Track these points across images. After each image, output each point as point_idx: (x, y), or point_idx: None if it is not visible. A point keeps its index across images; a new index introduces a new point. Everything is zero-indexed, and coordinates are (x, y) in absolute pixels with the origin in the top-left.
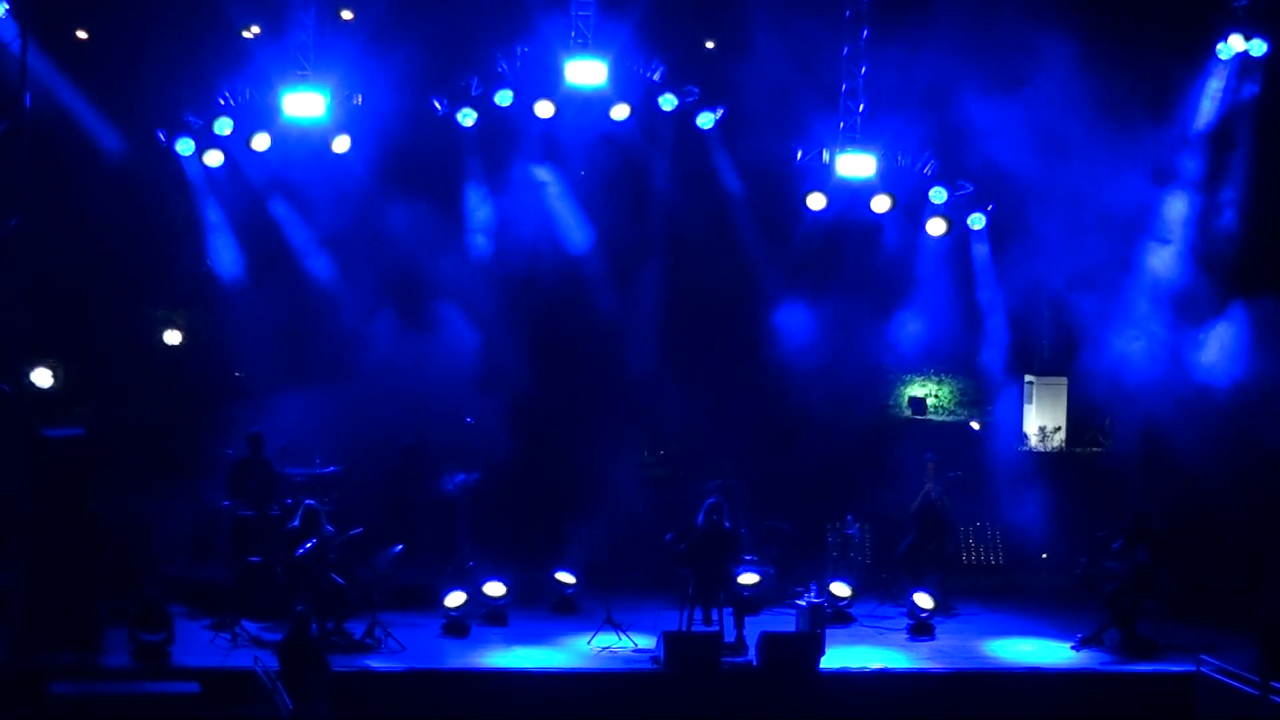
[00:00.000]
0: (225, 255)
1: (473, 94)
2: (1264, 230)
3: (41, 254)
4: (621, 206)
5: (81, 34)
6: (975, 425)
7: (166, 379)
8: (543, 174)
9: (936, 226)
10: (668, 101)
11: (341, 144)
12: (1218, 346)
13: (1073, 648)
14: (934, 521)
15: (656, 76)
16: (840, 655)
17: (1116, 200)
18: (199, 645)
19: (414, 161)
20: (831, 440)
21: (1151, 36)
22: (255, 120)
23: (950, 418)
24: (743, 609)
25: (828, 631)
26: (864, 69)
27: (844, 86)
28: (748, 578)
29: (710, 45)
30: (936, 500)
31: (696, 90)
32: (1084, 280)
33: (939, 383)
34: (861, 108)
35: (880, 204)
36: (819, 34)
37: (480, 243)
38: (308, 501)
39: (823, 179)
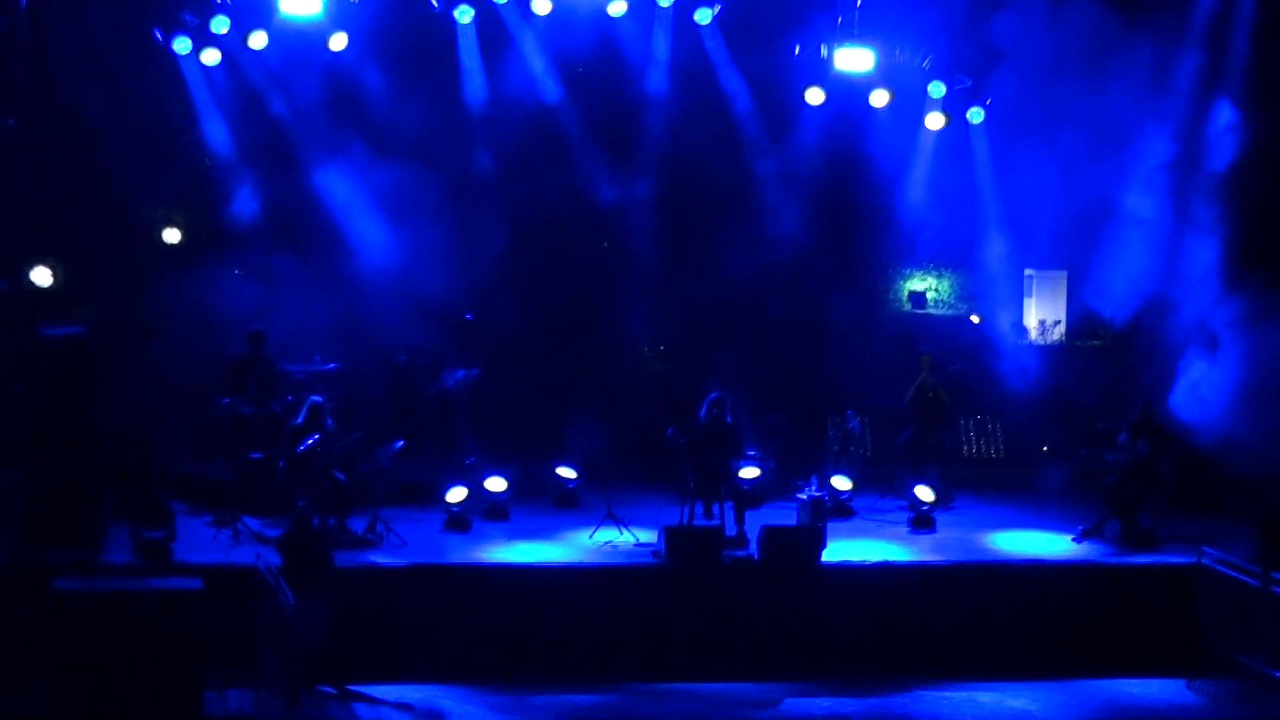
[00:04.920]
0: (223, 152)
1: None
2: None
3: (39, 153)
4: (619, 102)
5: None
6: (975, 319)
7: (166, 277)
8: (539, 70)
9: (935, 121)
10: None
11: (339, 41)
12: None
13: (1073, 540)
14: (932, 414)
15: None
16: (841, 549)
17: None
18: (201, 542)
19: (411, 58)
20: (832, 335)
21: None
22: (252, 18)
23: (950, 312)
24: (744, 503)
25: (829, 525)
26: None
27: None
28: (749, 472)
29: None
30: (932, 393)
31: None
32: (1084, 174)
33: (939, 277)
34: (859, 1)
35: (879, 99)
36: None
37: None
38: (313, 398)
39: (821, 74)
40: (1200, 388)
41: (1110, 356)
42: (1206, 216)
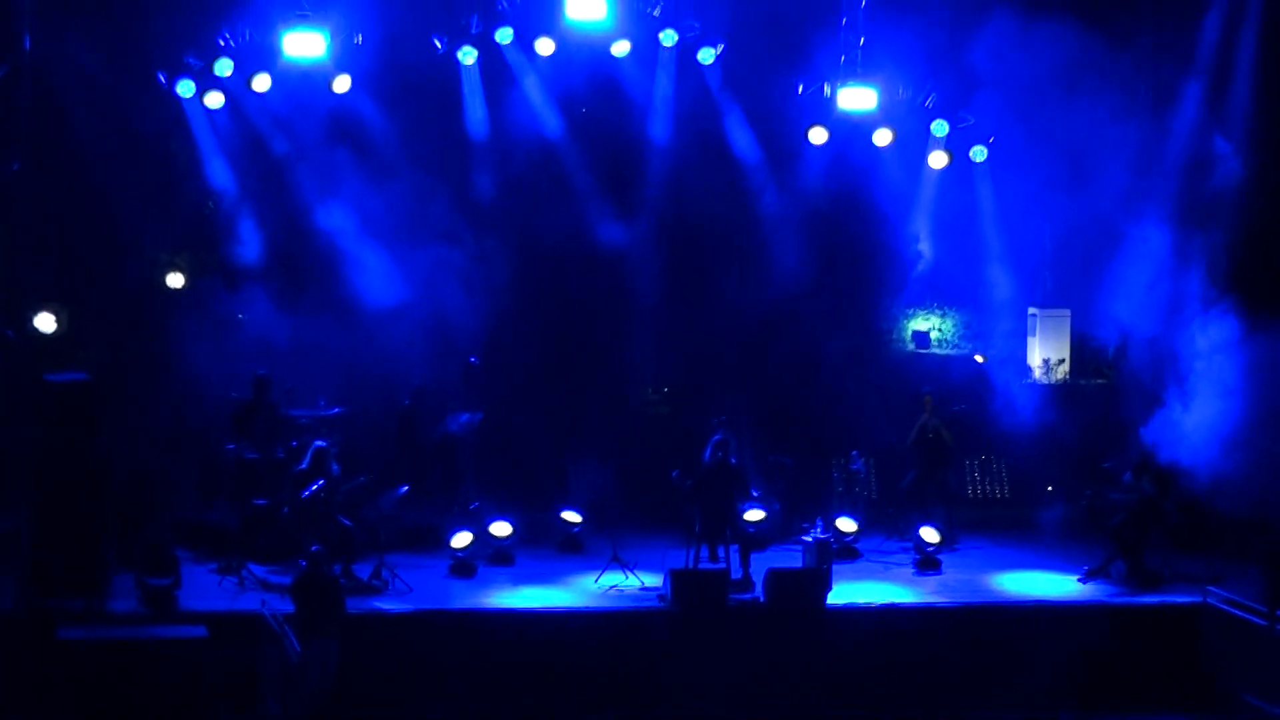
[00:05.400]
0: (227, 196)
1: (473, 32)
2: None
3: (43, 198)
4: (622, 142)
5: None
6: (979, 358)
7: (170, 322)
8: (543, 109)
9: (938, 159)
10: (668, 37)
11: (342, 84)
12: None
13: (1079, 580)
14: (936, 455)
15: (656, 12)
16: (847, 591)
17: (1119, 131)
18: (206, 589)
19: (415, 100)
20: (836, 376)
21: None
22: (255, 61)
23: (954, 351)
24: (749, 546)
25: (834, 567)
26: (864, 1)
27: (844, 19)
28: (754, 514)
29: None
30: (934, 433)
31: (697, 25)
32: (1087, 212)
33: (942, 316)
34: (862, 41)
35: (882, 137)
36: None
37: (480, 181)
38: (317, 443)
39: (824, 113)
40: (1172, 425)
41: (1114, 395)
42: (1202, 251)
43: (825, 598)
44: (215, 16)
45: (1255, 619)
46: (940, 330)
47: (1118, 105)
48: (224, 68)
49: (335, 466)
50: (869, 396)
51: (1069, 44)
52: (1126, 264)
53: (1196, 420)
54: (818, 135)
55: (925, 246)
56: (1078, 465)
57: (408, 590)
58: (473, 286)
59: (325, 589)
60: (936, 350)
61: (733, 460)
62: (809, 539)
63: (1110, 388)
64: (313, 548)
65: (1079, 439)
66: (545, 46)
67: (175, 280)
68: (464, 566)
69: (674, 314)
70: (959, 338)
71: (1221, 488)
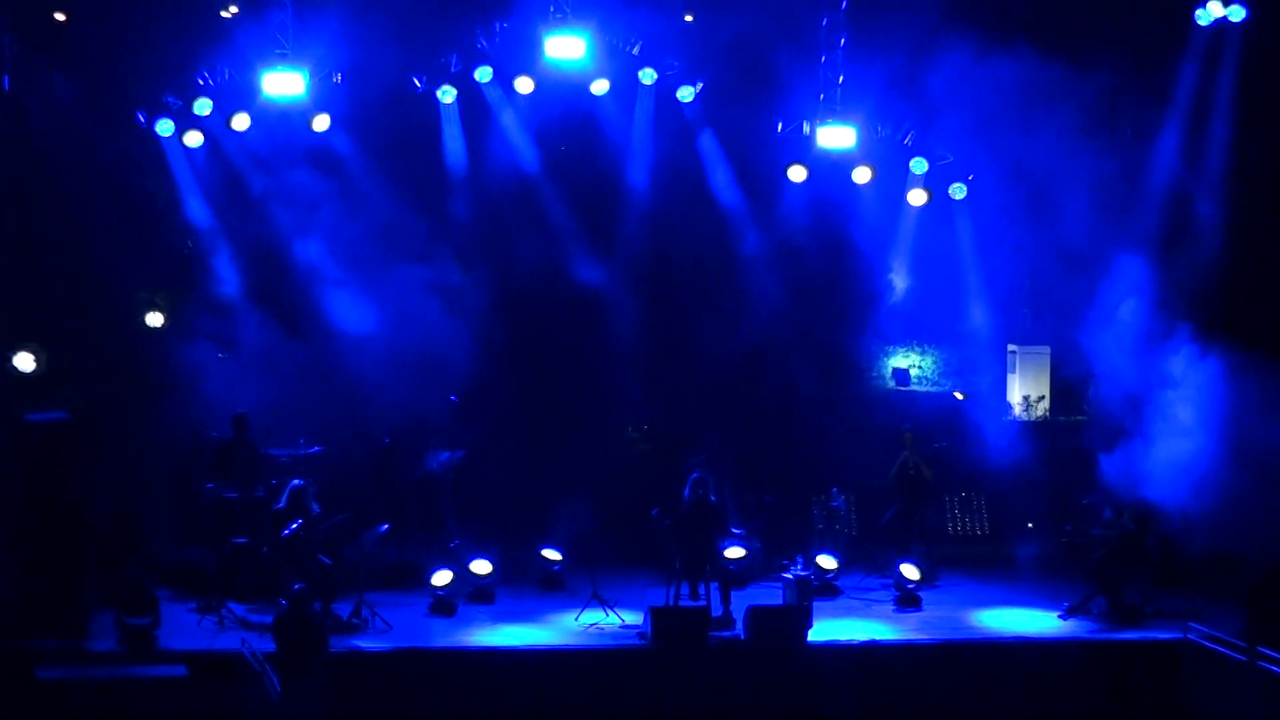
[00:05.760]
0: (206, 235)
1: (452, 71)
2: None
3: (22, 237)
4: (602, 181)
5: (60, 16)
6: (959, 395)
7: (149, 361)
8: (523, 148)
9: (917, 197)
10: (647, 76)
11: (321, 123)
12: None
13: (1060, 616)
14: (916, 492)
15: (636, 51)
16: (828, 628)
17: (1096, 169)
18: (185, 628)
19: (394, 139)
20: (816, 413)
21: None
22: (235, 100)
23: (934, 388)
24: (729, 583)
25: (815, 604)
26: (843, 40)
27: (823, 58)
28: (734, 552)
29: (689, 19)
30: (915, 470)
31: (676, 64)
32: (1065, 249)
33: (922, 353)
34: (841, 79)
35: (861, 175)
36: (798, 5)
37: (460, 219)
38: (295, 481)
39: (803, 151)
40: (1138, 460)
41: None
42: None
43: (806, 635)
44: (194, 56)
45: (1235, 655)
46: (920, 367)
47: (1092, 141)
48: (203, 107)
49: (315, 505)
50: (849, 434)
51: (1043, 80)
52: (1102, 300)
53: (1166, 455)
54: (797, 173)
55: (898, 278)
56: (1057, 502)
57: (388, 629)
58: (453, 324)
59: (307, 627)
60: (916, 387)
61: (712, 498)
62: (789, 576)
63: (1090, 424)
64: (295, 586)
65: (1059, 476)
66: (525, 85)
67: (154, 319)
68: (444, 605)
69: (653, 351)
70: (939, 375)
71: (1199, 523)
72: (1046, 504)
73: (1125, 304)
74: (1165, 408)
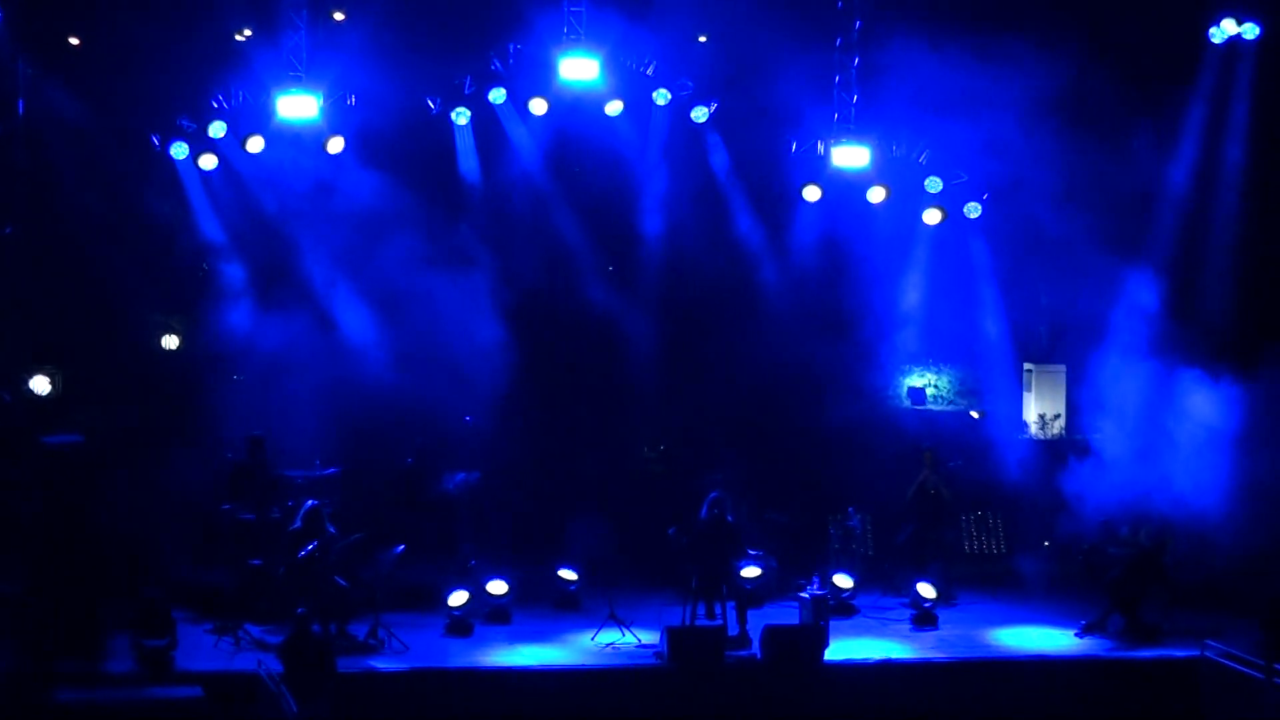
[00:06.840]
0: (221, 258)
1: (466, 92)
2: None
3: (38, 261)
4: (617, 202)
5: (74, 40)
6: (975, 414)
7: (165, 383)
8: (537, 169)
9: (932, 216)
10: (661, 96)
11: (335, 145)
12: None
13: (1076, 635)
14: (933, 511)
15: (650, 71)
16: (844, 647)
17: (1113, 187)
18: (202, 650)
19: (408, 160)
20: (832, 432)
21: (1144, 21)
22: (249, 123)
23: (950, 407)
24: (746, 602)
25: (831, 623)
26: (857, 60)
27: (837, 78)
28: (750, 571)
29: (703, 39)
30: (934, 489)
31: (690, 84)
32: (1080, 269)
33: (938, 373)
34: (855, 98)
35: (875, 195)
36: (812, 25)
37: (474, 240)
38: (310, 502)
39: (818, 170)
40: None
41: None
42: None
43: (822, 654)
44: (209, 79)
45: (1253, 672)
46: (936, 386)
47: (1106, 158)
48: (218, 130)
49: (330, 526)
50: (865, 453)
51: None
52: (1117, 319)
53: (1183, 474)
54: (811, 193)
55: (911, 295)
56: (1074, 520)
57: (404, 649)
58: (469, 346)
59: (312, 650)
60: (932, 406)
61: (729, 517)
62: (805, 595)
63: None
64: (298, 610)
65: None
66: (539, 107)
67: (170, 342)
68: (461, 625)
69: (670, 371)
70: (955, 394)
71: (1216, 542)
72: (1064, 523)
73: (1139, 322)
74: (1180, 427)
